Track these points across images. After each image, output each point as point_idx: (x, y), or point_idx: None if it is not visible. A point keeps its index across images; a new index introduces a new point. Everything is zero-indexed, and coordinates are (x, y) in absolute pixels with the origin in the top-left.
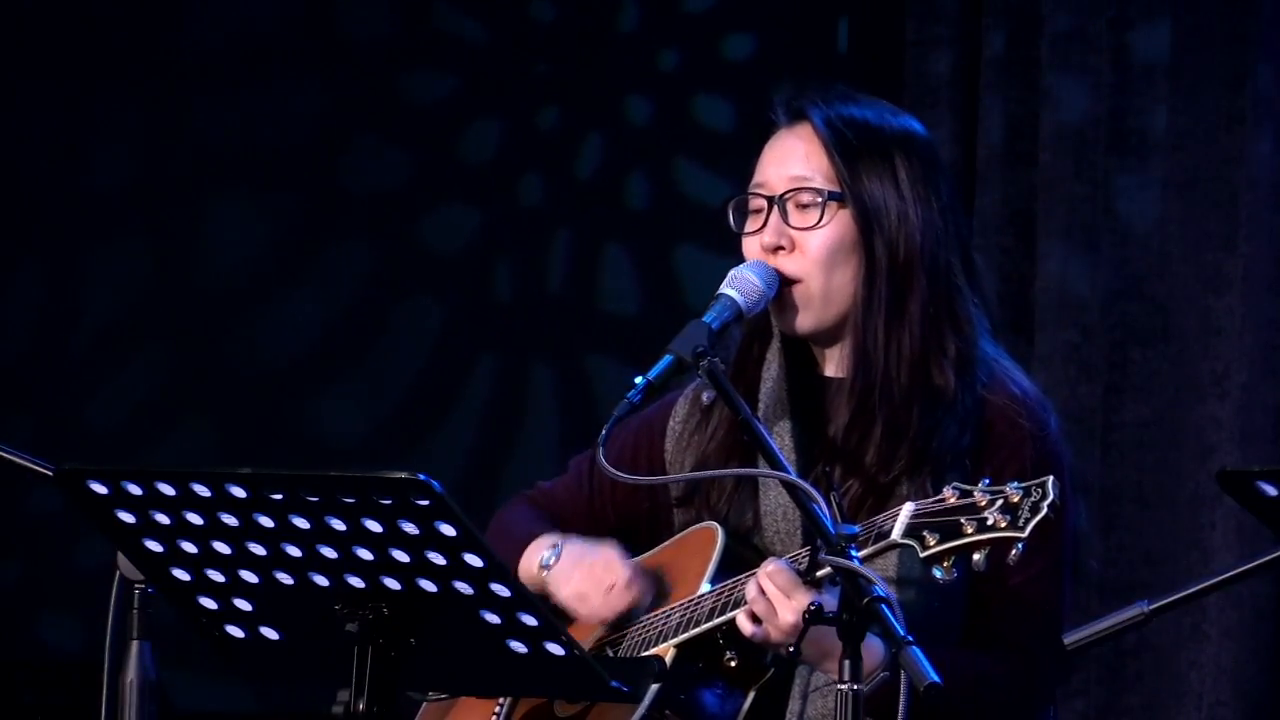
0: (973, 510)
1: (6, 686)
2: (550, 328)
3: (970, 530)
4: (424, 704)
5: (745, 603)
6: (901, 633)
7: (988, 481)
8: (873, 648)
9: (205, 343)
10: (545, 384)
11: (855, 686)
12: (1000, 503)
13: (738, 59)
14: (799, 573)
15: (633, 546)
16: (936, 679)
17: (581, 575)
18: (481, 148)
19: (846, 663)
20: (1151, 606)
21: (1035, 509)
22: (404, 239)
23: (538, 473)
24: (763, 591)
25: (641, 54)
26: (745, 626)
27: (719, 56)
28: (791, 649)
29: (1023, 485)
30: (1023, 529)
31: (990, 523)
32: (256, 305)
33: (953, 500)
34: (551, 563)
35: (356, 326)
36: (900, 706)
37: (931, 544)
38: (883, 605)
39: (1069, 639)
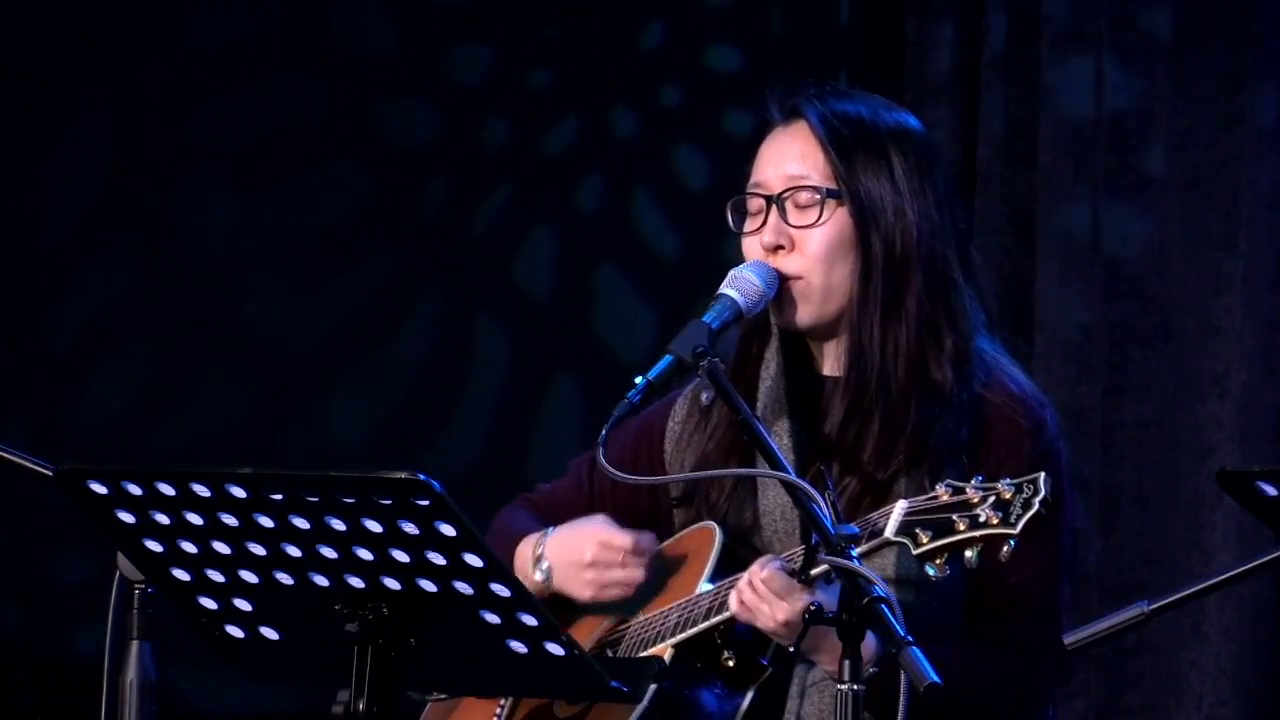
0: (965, 507)
1: (7, 687)
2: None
3: (963, 527)
4: (428, 704)
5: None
6: (901, 633)
7: (980, 479)
8: (866, 642)
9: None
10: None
11: (855, 687)
12: (992, 499)
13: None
14: (793, 571)
15: None
16: (936, 679)
17: (565, 543)
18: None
19: (846, 662)
20: (1151, 606)
21: (1027, 505)
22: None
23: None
24: (753, 589)
25: (648, 75)
26: (732, 602)
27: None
28: (792, 649)
29: (1015, 482)
30: (1014, 526)
31: (982, 519)
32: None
33: (945, 497)
34: (544, 543)
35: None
36: (900, 707)
37: (924, 541)
38: (882, 605)
39: (1069, 639)
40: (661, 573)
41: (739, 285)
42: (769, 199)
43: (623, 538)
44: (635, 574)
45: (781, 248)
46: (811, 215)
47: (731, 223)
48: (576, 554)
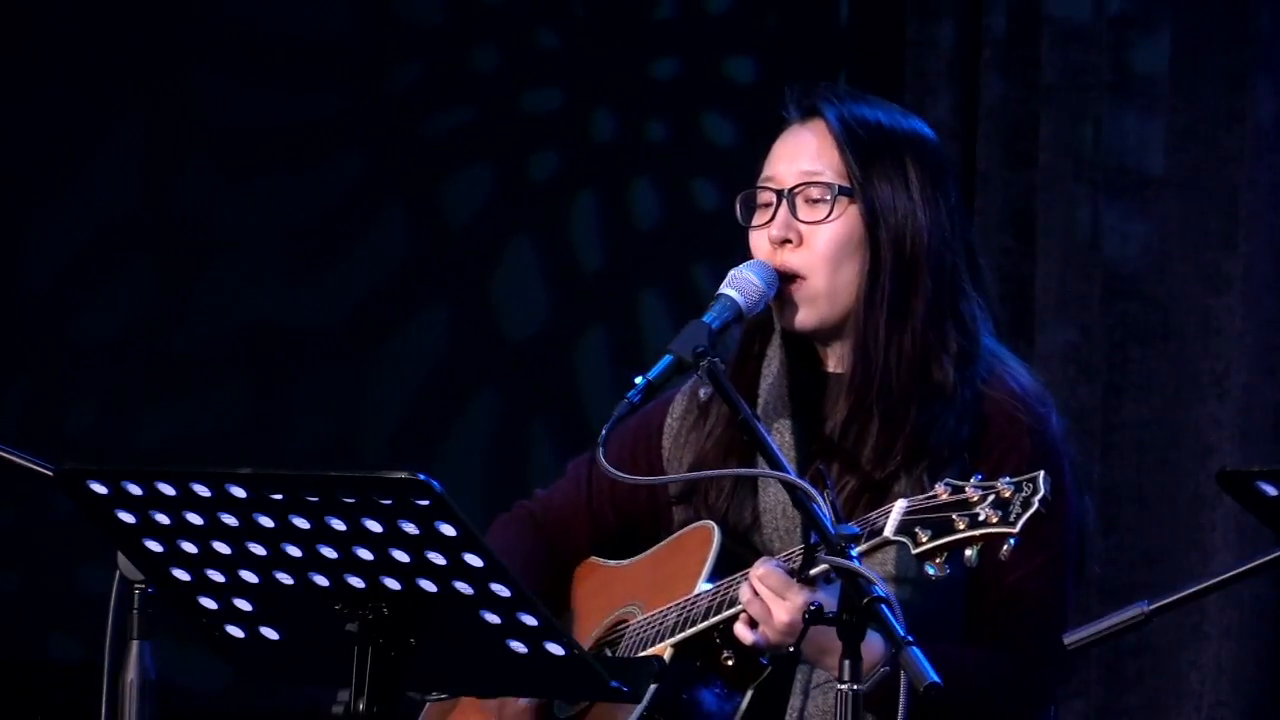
0: (964, 506)
1: (8, 687)
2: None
3: (962, 526)
4: (426, 704)
5: (740, 603)
6: (901, 632)
7: (979, 477)
8: (872, 644)
9: None
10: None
11: (855, 686)
12: (992, 498)
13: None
14: (793, 571)
15: (632, 546)
16: (936, 679)
17: None
18: None
19: (846, 662)
20: (1151, 606)
21: (1026, 504)
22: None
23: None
24: (756, 593)
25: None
26: (745, 635)
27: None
28: (792, 648)
29: (1014, 480)
30: (1014, 524)
31: (982, 518)
32: None
33: (945, 496)
34: None
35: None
36: (900, 706)
37: (924, 540)
38: (882, 605)
39: (1069, 639)
40: (660, 572)
41: (739, 285)
42: (780, 193)
43: None
44: None
45: (789, 241)
46: (822, 211)
47: (740, 216)
48: None
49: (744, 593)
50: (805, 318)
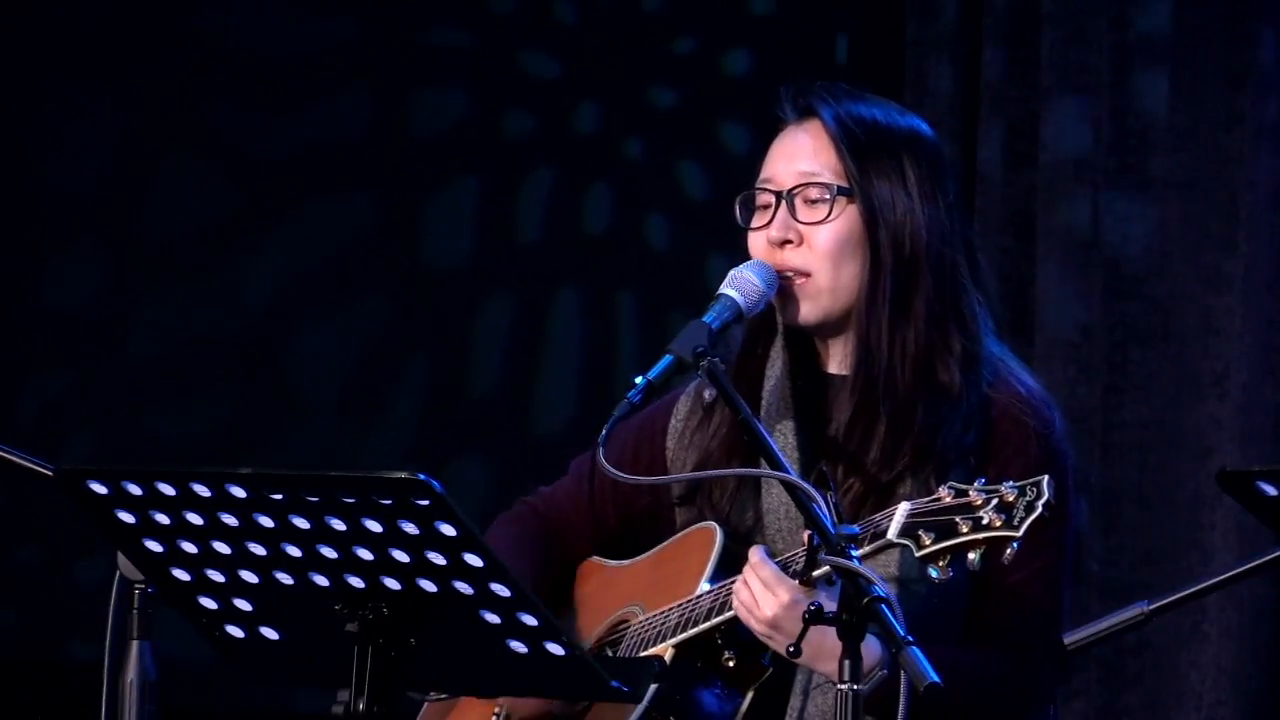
0: (968, 509)
1: (7, 686)
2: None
3: (966, 529)
4: (425, 704)
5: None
6: (901, 633)
7: (983, 481)
8: (869, 646)
9: None
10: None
11: (855, 687)
12: (995, 502)
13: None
14: (795, 573)
15: (634, 546)
16: (936, 679)
17: None
18: None
19: (846, 663)
20: (1151, 606)
21: (1030, 508)
22: None
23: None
24: (746, 583)
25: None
26: (739, 609)
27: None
28: (792, 648)
29: (1018, 484)
30: (1018, 528)
31: (985, 522)
32: None
33: (948, 499)
34: None
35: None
36: (900, 706)
37: (927, 543)
38: (882, 605)
39: (1069, 639)
40: (662, 572)
41: (739, 285)
42: (779, 194)
43: None
44: None
45: (789, 242)
46: (821, 211)
47: (739, 218)
48: None
49: (738, 581)
50: (808, 312)
